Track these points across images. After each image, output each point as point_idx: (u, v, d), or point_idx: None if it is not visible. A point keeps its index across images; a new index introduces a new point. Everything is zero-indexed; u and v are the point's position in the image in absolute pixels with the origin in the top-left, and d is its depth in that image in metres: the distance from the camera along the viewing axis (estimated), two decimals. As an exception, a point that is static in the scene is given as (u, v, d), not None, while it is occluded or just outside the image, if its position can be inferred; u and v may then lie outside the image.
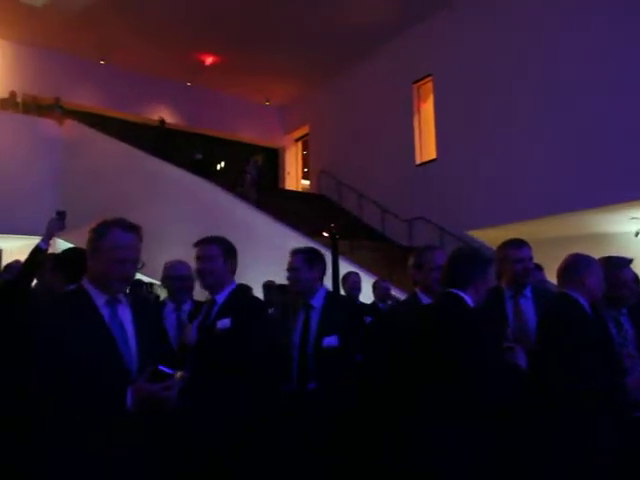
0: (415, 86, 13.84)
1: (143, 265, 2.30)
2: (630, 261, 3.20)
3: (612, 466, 2.64)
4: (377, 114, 14.39)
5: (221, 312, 2.98)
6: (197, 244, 3.09)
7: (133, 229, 2.23)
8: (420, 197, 12.83)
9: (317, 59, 14.99)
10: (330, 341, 3.12)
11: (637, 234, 9.80)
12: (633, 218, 9.95)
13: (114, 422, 2.00)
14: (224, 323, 2.92)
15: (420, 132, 13.73)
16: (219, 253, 3.03)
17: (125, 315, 2.22)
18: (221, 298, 3.03)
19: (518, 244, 3.33)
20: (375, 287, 6.30)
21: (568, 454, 2.65)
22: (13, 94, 13.53)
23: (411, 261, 3.32)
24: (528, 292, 3.31)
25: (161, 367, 2.00)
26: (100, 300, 2.17)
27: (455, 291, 2.63)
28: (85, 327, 2.08)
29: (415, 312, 2.90)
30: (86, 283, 2.21)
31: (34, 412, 2.05)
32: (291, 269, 3.33)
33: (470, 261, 2.69)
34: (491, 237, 9.52)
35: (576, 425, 2.66)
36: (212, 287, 3.07)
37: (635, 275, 3.28)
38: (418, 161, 13.54)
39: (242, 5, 12.47)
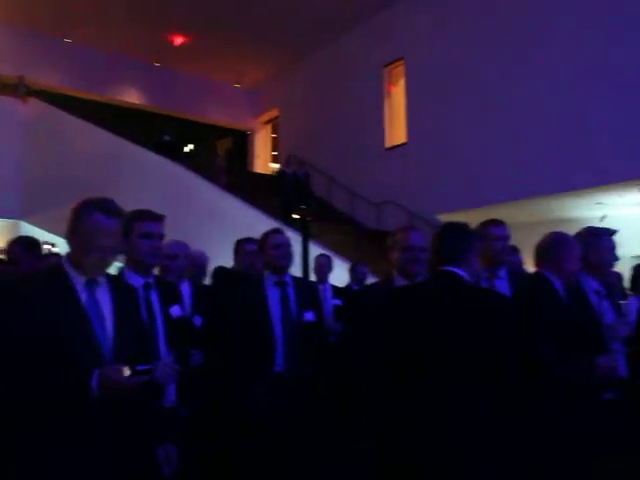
0: (386, 69, 13.79)
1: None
2: (614, 232, 3.18)
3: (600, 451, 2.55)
4: (347, 97, 14.36)
5: None
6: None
7: (115, 214, 2.10)
8: (389, 181, 12.87)
9: (287, 41, 14.92)
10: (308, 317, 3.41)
11: (602, 219, 9.96)
12: (598, 203, 10.12)
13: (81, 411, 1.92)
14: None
15: (391, 116, 13.73)
16: None
17: (104, 299, 2.12)
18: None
19: (497, 223, 3.39)
20: (353, 270, 6.28)
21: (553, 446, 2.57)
22: (-27, 71, 13.11)
23: (388, 242, 3.27)
24: (503, 273, 3.34)
25: (138, 367, 1.94)
26: (78, 281, 2.07)
27: (449, 268, 2.44)
28: (60, 308, 1.98)
29: (395, 293, 2.70)
30: (65, 262, 2.10)
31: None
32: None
33: (460, 235, 2.51)
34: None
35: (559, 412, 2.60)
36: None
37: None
38: (388, 145, 13.56)
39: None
